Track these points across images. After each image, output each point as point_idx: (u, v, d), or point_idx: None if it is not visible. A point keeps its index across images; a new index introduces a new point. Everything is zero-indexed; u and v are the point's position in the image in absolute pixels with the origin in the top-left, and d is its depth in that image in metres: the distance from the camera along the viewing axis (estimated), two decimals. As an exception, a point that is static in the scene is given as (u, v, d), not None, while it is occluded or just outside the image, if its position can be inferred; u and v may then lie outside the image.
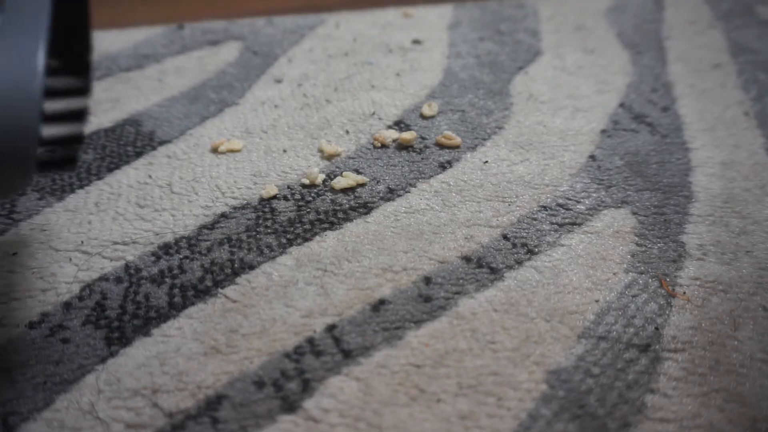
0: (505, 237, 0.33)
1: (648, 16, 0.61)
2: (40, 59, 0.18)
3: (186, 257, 0.31)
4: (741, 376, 0.26)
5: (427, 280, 0.30)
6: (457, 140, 0.40)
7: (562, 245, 0.32)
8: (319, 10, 0.61)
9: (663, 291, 0.30)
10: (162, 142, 0.40)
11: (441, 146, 0.40)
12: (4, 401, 0.24)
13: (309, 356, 0.26)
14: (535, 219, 0.34)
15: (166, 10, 0.60)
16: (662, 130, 0.42)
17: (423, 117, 0.43)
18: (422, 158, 0.39)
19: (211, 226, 0.33)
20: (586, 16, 0.60)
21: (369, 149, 0.40)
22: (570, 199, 0.36)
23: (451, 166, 0.38)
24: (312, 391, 0.25)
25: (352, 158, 0.39)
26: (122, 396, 0.25)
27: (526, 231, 0.33)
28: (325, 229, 0.33)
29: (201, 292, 0.29)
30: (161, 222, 0.33)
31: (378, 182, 0.37)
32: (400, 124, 0.42)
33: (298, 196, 0.35)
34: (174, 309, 0.29)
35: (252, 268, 0.31)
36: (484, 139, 0.41)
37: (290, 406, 0.25)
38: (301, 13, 0.60)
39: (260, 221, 0.34)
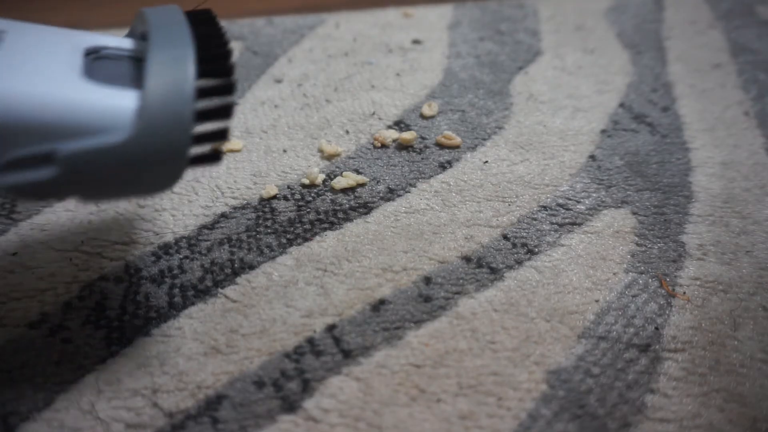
0: (505, 237, 0.33)
1: (648, 16, 0.61)
2: (191, 67, 0.21)
3: (186, 257, 0.31)
4: (741, 376, 0.26)
5: (427, 280, 0.30)
6: (457, 140, 0.40)
7: (562, 245, 0.32)
8: (319, 10, 0.61)
9: (663, 291, 0.30)
10: (162, 142, 0.40)
11: (441, 146, 0.40)
12: (4, 401, 0.24)
13: (309, 356, 0.26)
14: (535, 219, 0.34)
15: (166, 10, 0.60)
16: (662, 130, 0.42)
17: (423, 117, 0.43)
18: (422, 158, 0.39)
19: (211, 226, 0.33)
20: (586, 16, 0.60)
21: (369, 149, 0.40)
22: (570, 199, 0.36)
23: (451, 166, 0.38)
24: (312, 391, 0.25)
25: (352, 158, 0.39)
26: (122, 396, 0.25)
27: (526, 231, 0.33)
28: (325, 229, 0.33)
29: (201, 292, 0.29)
30: (161, 222, 0.33)
31: (378, 182, 0.37)
32: (400, 124, 0.42)
33: (298, 196, 0.35)
34: (174, 309, 0.29)
35: (252, 268, 0.31)
36: (484, 139, 0.41)
37: (290, 406, 0.25)
38: (301, 13, 0.60)
39: (260, 221, 0.34)
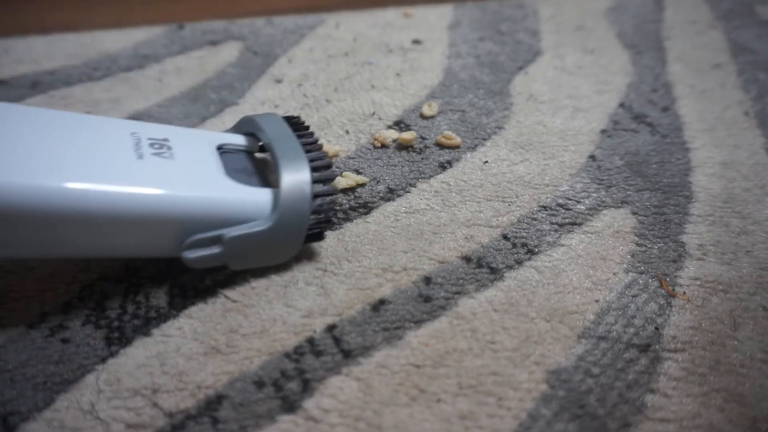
0: (505, 237, 0.33)
1: (648, 16, 0.61)
2: (308, 176, 0.29)
3: (186, 257, 0.31)
4: (741, 376, 0.26)
5: (427, 280, 0.30)
6: (457, 140, 0.40)
7: (562, 245, 0.32)
8: (319, 10, 0.61)
9: (663, 291, 0.30)
10: (162, 142, 0.40)
11: (441, 146, 0.40)
12: (4, 401, 0.24)
13: (309, 356, 0.26)
14: (535, 219, 0.34)
15: (166, 10, 0.60)
16: (662, 130, 0.43)
17: (423, 117, 0.43)
18: (422, 158, 0.39)
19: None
20: (586, 16, 0.60)
21: (369, 149, 0.40)
22: (570, 199, 0.36)
23: (451, 166, 0.38)
24: (312, 391, 0.25)
25: (352, 158, 0.39)
26: (122, 396, 0.25)
27: (526, 231, 0.33)
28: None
29: (201, 292, 0.29)
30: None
31: (378, 182, 0.37)
32: (400, 124, 0.42)
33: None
34: (174, 309, 0.29)
35: (252, 268, 0.31)
36: (484, 139, 0.41)
37: (290, 406, 0.25)
38: (301, 13, 0.60)
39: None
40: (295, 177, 0.28)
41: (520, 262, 0.31)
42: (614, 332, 0.28)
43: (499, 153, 0.40)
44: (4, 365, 0.26)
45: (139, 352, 0.27)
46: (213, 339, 0.27)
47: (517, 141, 0.41)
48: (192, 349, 0.27)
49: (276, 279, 0.30)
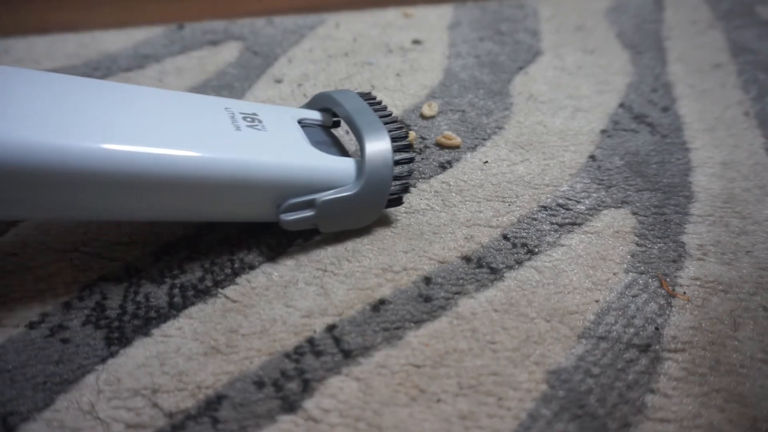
0: (505, 237, 0.33)
1: (648, 16, 0.61)
2: (389, 144, 0.31)
3: (186, 257, 0.31)
4: (741, 376, 0.26)
5: (427, 280, 0.30)
6: (457, 140, 0.40)
7: (562, 245, 0.32)
8: (319, 10, 0.61)
9: (663, 291, 0.30)
10: (162, 142, 0.40)
11: (441, 146, 0.40)
12: (4, 401, 0.24)
13: (309, 356, 0.26)
14: (535, 219, 0.34)
15: (166, 10, 0.60)
16: (662, 130, 0.43)
17: (423, 117, 0.43)
18: (422, 158, 0.39)
19: (211, 226, 0.33)
20: (586, 16, 0.60)
21: (369, 149, 0.39)
22: (570, 199, 0.36)
23: (451, 166, 0.38)
24: (312, 391, 0.25)
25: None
26: (122, 396, 0.25)
27: (526, 231, 0.33)
28: (325, 229, 0.33)
29: (201, 292, 0.29)
30: (161, 222, 0.33)
31: (378, 182, 0.36)
32: (400, 124, 0.42)
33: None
34: (174, 309, 0.29)
35: (252, 268, 0.31)
36: (484, 139, 0.41)
37: (290, 406, 0.25)
38: (301, 13, 0.60)
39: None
40: (378, 146, 0.31)
41: (520, 262, 0.31)
42: (614, 332, 0.28)
43: (499, 153, 0.40)
44: (4, 365, 0.26)
45: (139, 352, 0.27)
46: (213, 339, 0.27)
47: (517, 141, 0.41)
48: (192, 349, 0.27)
49: (276, 279, 0.30)
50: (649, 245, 0.33)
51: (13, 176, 0.23)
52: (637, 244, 0.33)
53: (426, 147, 0.40)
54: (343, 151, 0.33)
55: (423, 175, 0.37)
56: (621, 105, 0.45)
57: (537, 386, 0.26)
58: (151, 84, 0.47)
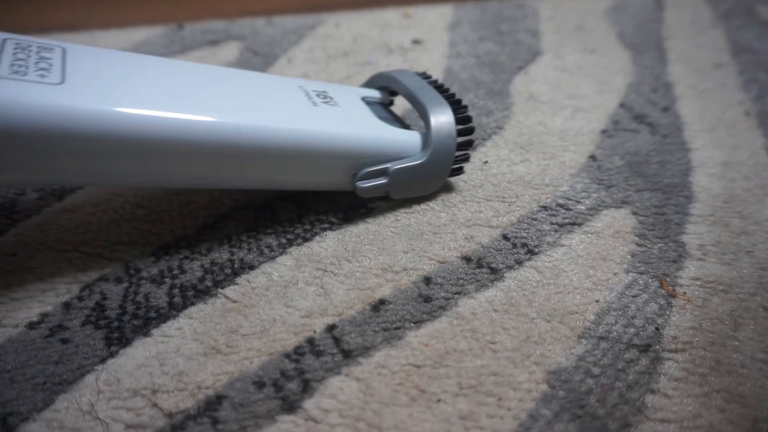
0: (505, 237, 0.33)
1: (648, 16, 0.61)
2: (452, 117, 0.33)
3: (186, 257, 0.31)
4: (742, 376, 0.26)
5: (427, 280, 0.30)
6: (458, 140, 0.40)
7: (562, 245, 0.32)
8: (319, 10, 0.61)
9: (663, 291, 0.30)
10: (162, 142, 0.40)
11: (441, 146, 0.40)
12: (3, 401, 0.24)
13: (309, 356, 0.26)
14: (535, 219, 0.34)
15: (166, 10, 0.60)
16: (662, 130, 0.42)
17: (423, 117, 0.43)
18: (422, 158, 0.39)
19: (211, 226, 0.33)
20: (586, 16, 0.60)
21: (369, 149, 0.39)
22: (570, 199, 0.36)
23: (451, 166, 0.38)
24: (312, 391, 0.25)
25: (352, 158, 0.39)
26: (122, 396, 0.25)
27: (526, 231, 0.33)
28: (325, 229, 0.33)
29: (201, 292, 0.29)
30: (161, 222, 0.33)
31: (378, 182, 0.36)
32: (400, 124, 0.42)
33: (298, 197, 0.35)
34: (174, 309, 0.29)
35: (252, 268, 0.31)
36: (484, 139, 0.41)
37: (290, 406, 0.25)
38: (301, 13, 0.60)
39: (260, 221, 0.34)
40: (442, 118, 0.33)
41: (520, 263, 0.31)
42: (614, 332, 0.28)
43: (499, 153, 0.40)
44: (4, 365, 0.26)
45: (139, 352, 0.27)
46: (213, 339, 0.27)
47: (517, 141, 0.41)
48: (192, 349, 0.27)
49: (276, 279, 0.30)
50: (650, 245, 0.33)
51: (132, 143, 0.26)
52: (638, 244, 0.33)
53: (426, 147, 0.40)
54: (404, 126, 0.35)
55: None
56: (621, 105, 0.45)
57: (537, 386, 0.25)
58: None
